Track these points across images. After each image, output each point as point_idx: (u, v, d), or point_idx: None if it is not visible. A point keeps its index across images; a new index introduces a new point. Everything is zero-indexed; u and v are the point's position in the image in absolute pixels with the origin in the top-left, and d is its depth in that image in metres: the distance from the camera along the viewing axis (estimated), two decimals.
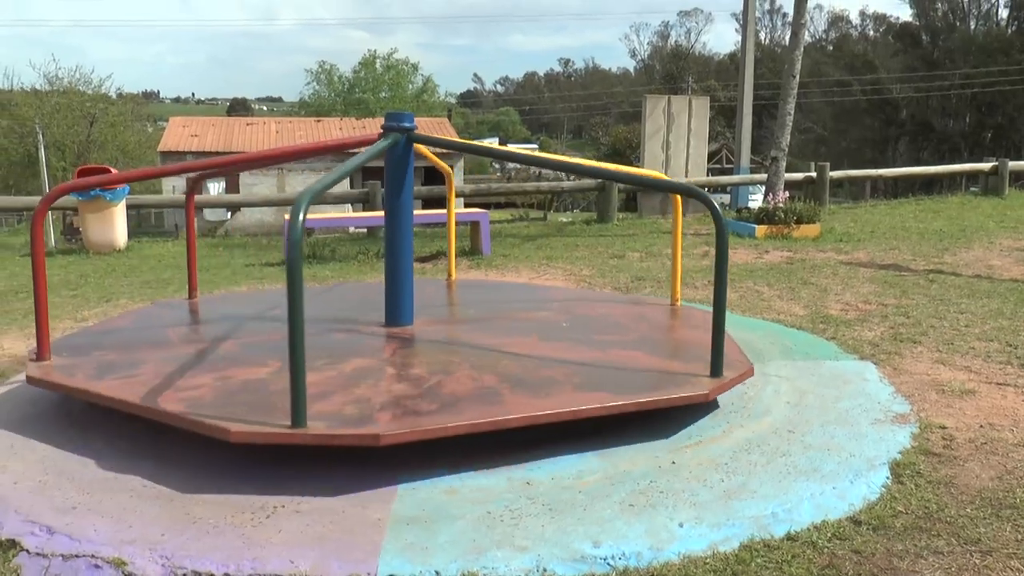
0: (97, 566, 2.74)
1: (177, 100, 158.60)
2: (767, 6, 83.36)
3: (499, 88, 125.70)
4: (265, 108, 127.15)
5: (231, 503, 3.05)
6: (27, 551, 2.84)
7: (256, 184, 33.75)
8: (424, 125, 39.59)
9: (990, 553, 2.71)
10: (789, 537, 2.81)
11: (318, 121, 37.09)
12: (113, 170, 10.32)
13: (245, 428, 3.15)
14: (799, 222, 9.88)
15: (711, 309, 3.77)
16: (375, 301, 5.17)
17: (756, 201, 14.39)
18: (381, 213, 10.28)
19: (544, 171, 37.68)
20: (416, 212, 6.39)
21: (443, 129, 39.98)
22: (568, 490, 3.11)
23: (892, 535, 2.83)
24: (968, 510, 2.99)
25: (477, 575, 2.58)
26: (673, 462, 3.35)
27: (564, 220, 21.52)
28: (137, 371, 3.90)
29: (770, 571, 2.61)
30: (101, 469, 3.36)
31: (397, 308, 4.70)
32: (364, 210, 11.13)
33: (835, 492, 3.09)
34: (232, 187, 33.60)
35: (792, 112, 10.53)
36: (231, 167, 3.93)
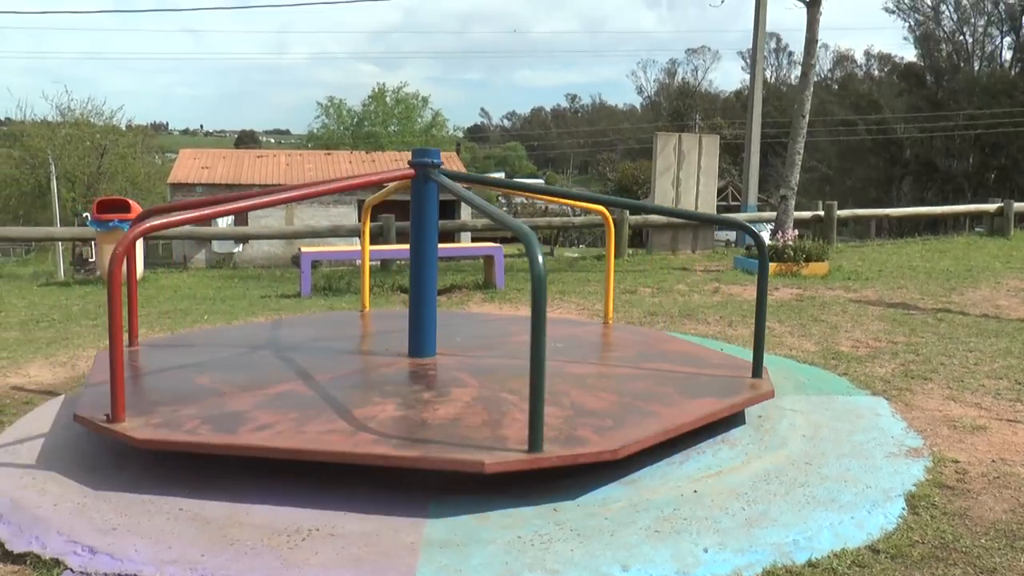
0: None
1: (186, 132, 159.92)
2: (773, 44, 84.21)
3: (506, 123, 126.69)
4: (272, 140, 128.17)
5: (267, 526, 3.14)
6: (71, 570, 2.93)
7: (265, 216, 34.00)
8: None
9: None
10: (810, 564, 2.90)
11: (328, 154, 37.45)
12: (132, 202, 10.47)
13: (499, 458, 3.21)
14: (808, 260, 10.02)
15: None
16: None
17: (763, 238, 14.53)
18: (395, 246, 10.44)
19: (551, 206, 37.84)
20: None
21: (452, 163, 40.34)
22: (594, 516, 3.21)
23: (910, 563, 2.91)
24: (983, 541, 3.07)
25: None
26: (695, 491, 3.44)
27: (571, 255, 21.71)
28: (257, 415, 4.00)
29: None
30: (138, 493, 3.45)
31: (420, 340, 4.81)
32: (378, 243, 11.28)
33: (853, 521, 3.18)
34: (240, 219, 33.88)
35: (801, 151, 10.71)
36: (277, 201, 4.05)
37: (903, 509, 3.31)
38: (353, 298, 8.80)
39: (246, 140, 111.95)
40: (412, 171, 4.63)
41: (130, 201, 10.47)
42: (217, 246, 31.90)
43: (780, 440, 4.05)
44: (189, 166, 33.92)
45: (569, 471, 3.54)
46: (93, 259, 14.26)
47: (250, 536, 3.06)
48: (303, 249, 9.18)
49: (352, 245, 14.82)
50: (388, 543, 3.01)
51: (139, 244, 10.36)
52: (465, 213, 36.27)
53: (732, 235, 21.82)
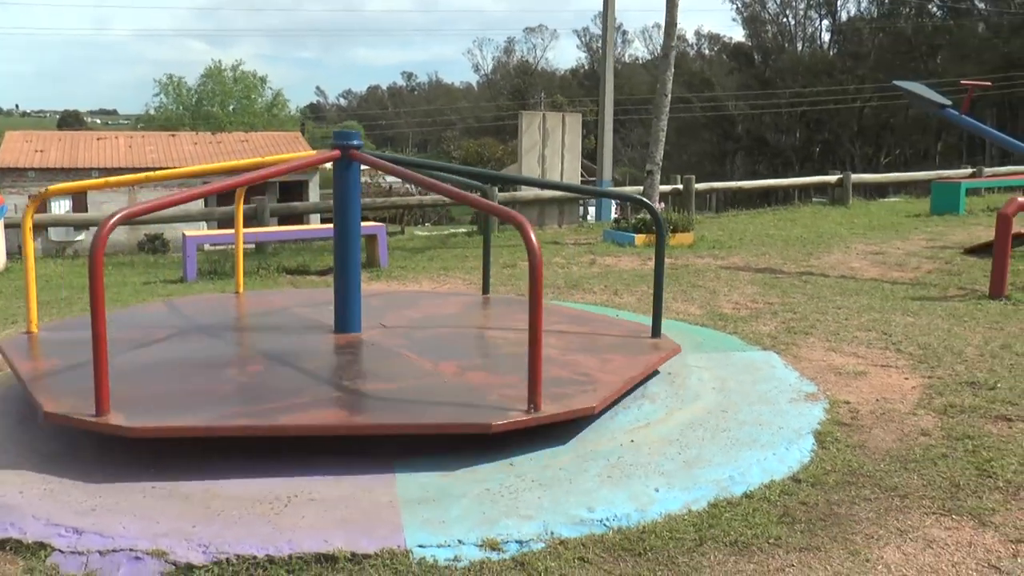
0: (138, 558, 2.94)
1: None
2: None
3: (342, 101, 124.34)
4: (99, 121, 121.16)
5: (246, 497, 3.28)
6: (60, 551, 2.99)
7: (106, 202, 32.45)
8: (278, 140, 39.12)
9: (906, 496, 3.30)
10: (747, 495, 3.31)
11: (172, 135, 36.01)
12: None
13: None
14: (675, 231, 10.65)
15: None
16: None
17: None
18: (277, 228, 10.38)
19: (395, 184, 37.67)
20: (304, 228, 6.67)
21: (298, 143, 39.59)
22: (549, 468, 3.52)
23: (828, 488, 3.38)
24: (882, 465, 3.58)
25: (496, 541, 2.94)
26: (632, 440, 3.81)
27: (421, 233, 21.83)
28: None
29: (739, 522, 3.09)
30: (104, 475, 3.51)
31: (346, 317, 4.98)
32: (253, 226, 11.16)
33: (775, 457, 3.63)
34: (79, 205, 32.18)
35: (665, 128, 11.34)
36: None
37: (813, 444, 3.79)
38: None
39: (70, 121, 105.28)
40: (337, 152, 4.77)
41: None
42: (54, 234, 30.23)
43: (693, 393, 4.47)
44: (20, 149, 31.91)
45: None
46: None
47: (233, 507, 3.20)
48: (187, 233, 9.03)
49: (199, 231, 14.48)
50: (367, 503, 3.22)
51: (1, 232, 9.91)
52: (313, 195, 35.78)
53: (591, 211, 22.55)
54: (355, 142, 4.82)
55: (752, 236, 11.26)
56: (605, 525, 3.08)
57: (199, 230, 9.43)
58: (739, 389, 4.53)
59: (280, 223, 14.05)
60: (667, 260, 9.51)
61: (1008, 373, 4.68)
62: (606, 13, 17.71)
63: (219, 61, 48.00)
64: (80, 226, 29.03)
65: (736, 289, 7.40)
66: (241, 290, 6.45)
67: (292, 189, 34.76)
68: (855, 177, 15.44)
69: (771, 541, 2.97)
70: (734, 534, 3.01)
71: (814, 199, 18.23)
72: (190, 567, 2.87)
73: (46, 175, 31.56)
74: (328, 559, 2.87)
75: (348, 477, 3.44)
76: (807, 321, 5.99)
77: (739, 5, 60.57)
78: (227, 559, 2.88)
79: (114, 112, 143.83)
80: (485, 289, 6.51)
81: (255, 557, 2.89)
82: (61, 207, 31.30)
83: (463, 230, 15.02)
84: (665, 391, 4.50)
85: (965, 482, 3.40)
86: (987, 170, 17.92)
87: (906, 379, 4.68)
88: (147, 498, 3.29)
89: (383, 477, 3.45)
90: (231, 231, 10.78)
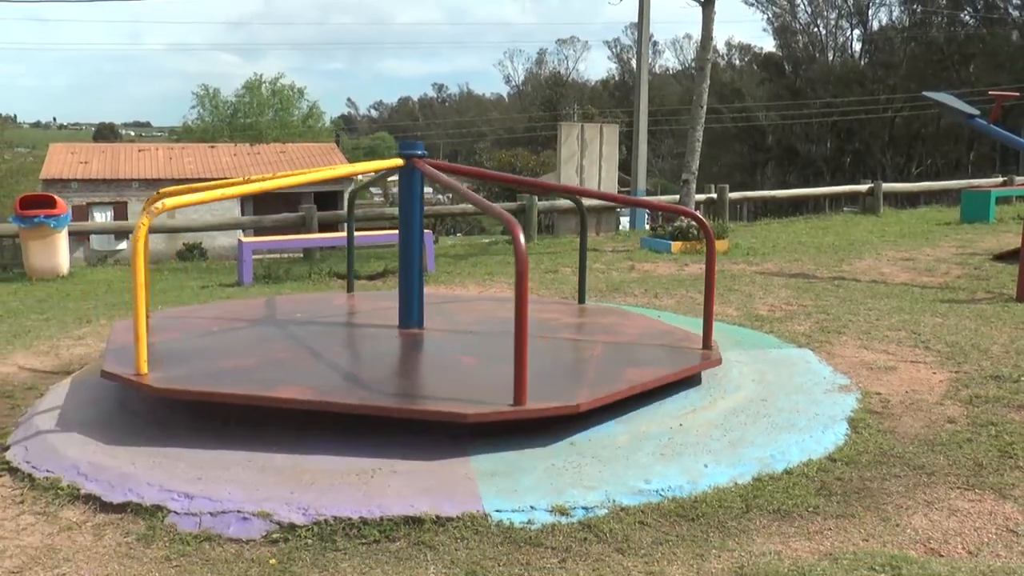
0: (245, 518, 3.33)
1: (37, 124, 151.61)
2: (637, 35, 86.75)
3: (373, 113, 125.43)
4: (133, 133, 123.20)
5: (333, 470, 3.66)
6: (175, 512, 3.40)
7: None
8: (314, 151, 39.79)
9: (933, 473, 3.62)
10: (787, 472, 3.65)
11: (212, 147, 36.79)
12: (58, 199, 10.48)
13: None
14: None
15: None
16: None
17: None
18: (322, 235, 10.83)
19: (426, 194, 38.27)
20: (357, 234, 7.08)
21: (333, 154, 40.23)
22: (607, 448, 3.87)
23: (861, 467, 3.70)
24: (911, 448, 3.90)
25: (564, 507, 3.30)
26: (680, 424, 4.15)
27: (450, 242, 22.24)
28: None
29: (781, 494, 3.43)
30: (203, 451, 3.90)
31: (409, 314, 5.36)
32: (300, 233, 11.63)
33: (812, 440, 3.96)
34: (119, 215, 32.98)
35: (700, 139, 11.66)
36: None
37: (847, 429, 4.11)
38: (294, 284, 9.20)
39: (106, 133, 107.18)
40: (401, 161, 5.17)
41: (56, 197, 10.47)
42: (96, 243, 30.99)
43: (735, 385, 4.81)
44: (64, 160, 32.76)
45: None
46: None
47: (324, 478, 3.58)
48: (243, 239, 9.48)
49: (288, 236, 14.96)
50: (445, 475, 3.59)
51: (65, 239, 10.43)
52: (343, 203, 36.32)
53: (625, 220, 22.87)
54: (419, 152, 5.21)
55: (785, 243, 11.55)
56: (660, 495, 3.43)
57: (253, 237, 9.86)
58: (777, 381, 4.86)
59: (320, 230, 14.51)
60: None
61: None
62: (641, 25, 18.06)
63: (260, 75, 48.78)
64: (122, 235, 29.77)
65: (771, 293, 7.71)
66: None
67: (327, 198, 35.37)
68: (886, 186, 15.68)
69: (810, 509, 3.31)
70: (776, 503, 3.35)
71: (845, 208, 18.45)
72: (293, 526, 3.25)
73: (88, 186, 32.36)
74: (415, 521, 3.24)
75: (425, 455, 3.81)
76: (840, 321, 6.30)
77: (770, 15, 60.70)
78: (325, 520, 3.27)
79: (148, 124, 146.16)
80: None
81: (350, 519, 3.27)
82: (103, 216, 32.15)
83: (489, 240, 15.41)
84: (708, 382, 4.84)
85: (988, 462, 3.71)
86: (1018, 179, 18.06)
87: (934, 373, 4.98)
88: (244, 470, 3.68)
89: (457, 455, 3.81)
90: (283, 237, 11.26)
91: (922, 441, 3.97)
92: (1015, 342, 5.60)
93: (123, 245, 30.96)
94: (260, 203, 30.55)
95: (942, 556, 2.94)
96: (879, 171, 47.20)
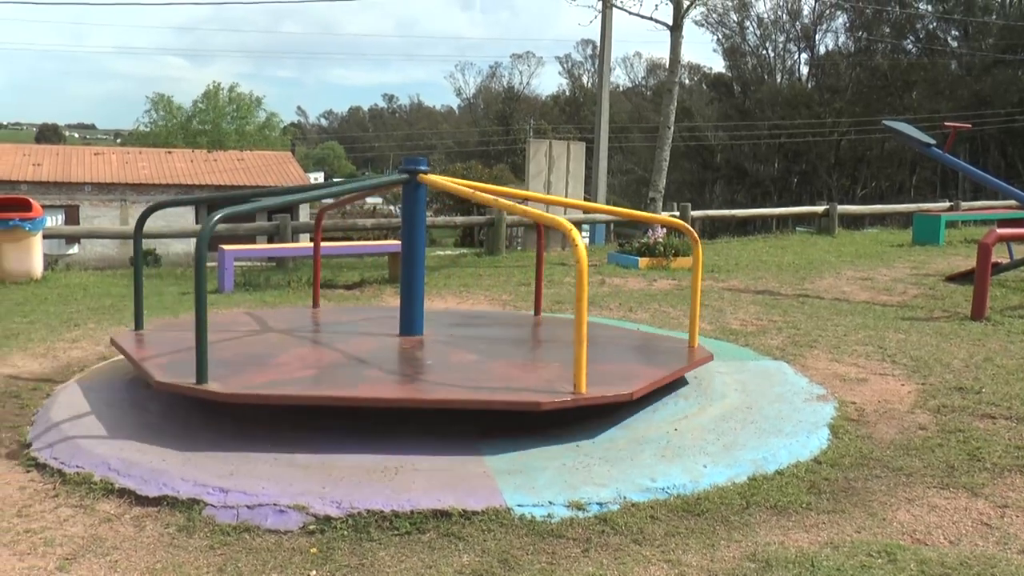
0: (282, 511, 3.54)
1: None
2: (590, 51, 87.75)
3: (323, 122, 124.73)
4: (76, 135, 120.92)
5: (358, 467, 3.88)
6: (212, 505, 3.59)
7: (98, 216, 32.84)
8: (270, 160, 39.69)
9: (911, 475, 3.96)
10: (779, 472, 3.97)
11: (168, 152, 36.48)
12: (33, 201, 10.47)
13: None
14: (676, 255, 11.36)
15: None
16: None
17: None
18: (296, 244, 10.97)
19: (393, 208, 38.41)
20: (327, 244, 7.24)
21: (290, 164, 40.18)
22: (611, 449, 4.15)
23: (845, 468, 4.04)
24: (888, 452, 4.25)
25: (580, 503, 3.57)
26: (676, 429, 4.45)
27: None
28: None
29: (776, 492, 3.74)
30: (231, 449, 4.10)
31: (411, 321, 5.60)
32: (273, 243, 11.76)
33: (799, 444, 4.28)
34: (71, 219, 32.52)
35: (667, 158, 12.08)
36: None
37: (829, 435, 4.45)
38: (275, 293, 9.34)
39: (48, 134, 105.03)
40: (406, 176, 5.41)
41: (31, 200, 10.46)
42: (46, 247, 30.51)
43: (720, 393, 5.13)
44: (12, 162, 32.24)
45: (577, 419, 4.47)
46: None
47: (351, 474, 3.80)
48: (224, 247, 9.59)
49: (272, 245, 15.02)
50: (465, 473, 3.84)
51: (39, 243, 10.43)
52: (304, 214, 36.30)
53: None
54: (423, 168, 5.46)
55: (747, 261, 11.99)
56: (666, 492, 3.72)
57: (235, 244, 9.96)
58: (759, 391, 5.19)
59: (269, 241, 14.60)
60: (671, 282, 10.22)
61: (991, 381, 5.37)
62: (603, 45, 18.50)
63: (218, 83, 48.66)
64: (74, 238, 29.38)
65: (740, 308, 8.08)
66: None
67: (284, 209, 35.26)
68: (841, 208, 16.32)
69: (804, 505, 3.62)
70: (773, 500, 3.66)
71: (798, 228, 19.08)
72: (328, 518, 3.47)
73: (39, 188, 31.91)
74: (443, 514, 3.48)
75: (442, 453, 4.05)
76: (810, 336, 6.67)
77: (720, 37, 62.02)
78: (358, 513, 3.49)
79: (92, 127, 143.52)
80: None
81: (382, 512, 3.50)
82: (54, 221, 31.68)
83: (456, 252, 15.65)
84: (695, 392, 5.15)
85: (959, 464, 4.07)
86: (963, 204, 18.89)
87: (902, 385, 5.36)
88: (273, 467, 3.89)
89: (471, 454, 4.06)
90: (266, 246, 11.38)
91: (898, 446, 4.32)
92: (973, 357, 6.01)
93: (74, 249, 30.56)
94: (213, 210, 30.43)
95: (927, 545, 3.28)
96: (825, 192, 48.48)
